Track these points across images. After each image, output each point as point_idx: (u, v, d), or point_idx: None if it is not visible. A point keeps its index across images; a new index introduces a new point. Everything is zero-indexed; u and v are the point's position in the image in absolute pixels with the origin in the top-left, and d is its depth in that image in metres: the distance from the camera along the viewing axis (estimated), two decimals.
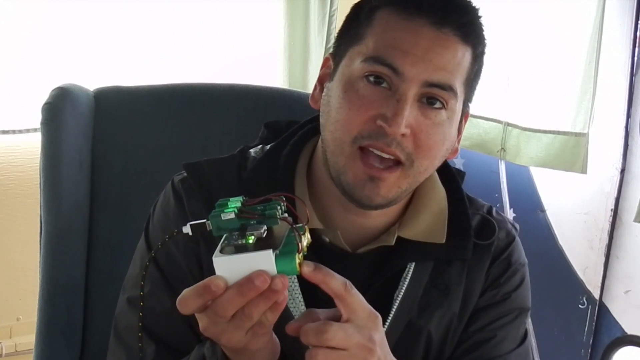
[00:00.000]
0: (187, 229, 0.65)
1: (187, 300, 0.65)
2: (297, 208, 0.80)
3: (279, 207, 0.65)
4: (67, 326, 1.11)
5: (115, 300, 0.93)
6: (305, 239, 0.66)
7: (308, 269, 0.66)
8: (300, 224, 0.67)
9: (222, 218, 0.62)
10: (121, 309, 0.91)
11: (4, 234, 2.05)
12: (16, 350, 2.10)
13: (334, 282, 0.68)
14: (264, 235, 0.63)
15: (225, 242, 0.64)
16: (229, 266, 0.62)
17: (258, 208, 0.66)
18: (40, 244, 1.12)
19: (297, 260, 0.63)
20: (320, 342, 0.67)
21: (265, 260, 0.62)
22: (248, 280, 0.62)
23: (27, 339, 2.04)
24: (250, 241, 0.62)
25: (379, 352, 0.70)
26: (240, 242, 0.62)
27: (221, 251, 0.63)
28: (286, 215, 0.66)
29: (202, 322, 0.67)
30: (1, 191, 2.04)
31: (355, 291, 0.69)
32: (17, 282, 2.06)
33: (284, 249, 0.64)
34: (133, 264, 0.93)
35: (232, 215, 0.62)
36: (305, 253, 0.66)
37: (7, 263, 2.06)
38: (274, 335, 0.73)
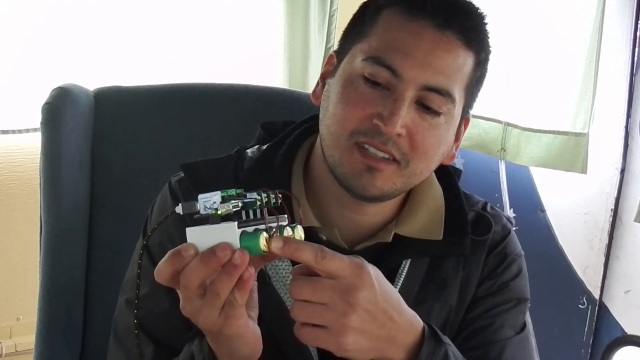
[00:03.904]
0: (179, 209, 0.66)
1: (160, 267, 0.66)
2: (294, 208, 0.80)
3: (264, 195, 0.66)
4: (67, 326, 1.11)
5: (116, 300, 0.93)
6: (294, 233, 0.68)
7: (277, 244, 0.66)
8: (294, 224, 0.68)
9: (209, 198, 0.65)
10: (120, 311, 0.91)
11: (4, 234, 2.05)
12: (16, 350, 2.10)
13: (305, 254, 0.67)
14: (235, 212, 0.65)
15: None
16: (198, 237, 0.65)
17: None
18: (40, 244, 1.12)
19: (264, 241, 0.65)
20: (292, 295, 0.68)
21: (230, 233, 0.64)
22: (210, 250, 0.63)
23: (27, 339, 2.04)
24: (219, 212, 0.64)
25: (364, 307, 0.68)
26: (211, 213, 0.64)
27: None
28: (276, 208, 0.68)
29: (180, 298, 0.68)
30: (1, 191, 2.03)
31: (329, 257, 0.67)
32: (17, 282, 2.06)
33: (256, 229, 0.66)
34: (131, 266, 0.93)
35: (219, 196, 0.65)
36: None
37: (7, 263, 2.05)
38: (257, 330, 0.72)
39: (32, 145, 1.88)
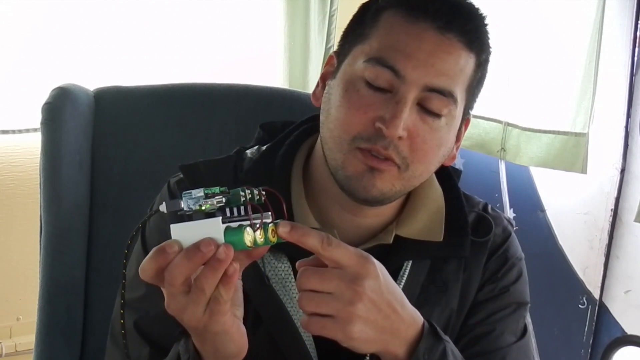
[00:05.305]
0: (162, 207, 0.67)
1: (144, 265, 0.66)
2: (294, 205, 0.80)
3: (248, 191, 0.67)
4: (67, 326, 1.11)
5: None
6: (277, 229, 0.68)
7: (284, 229, 0.66)
8: (277, 220, 0.68)
9: (193, 195, 0.65)
10: (117, 312, 0.91)
11: (4, 234, 2.05)
12: (16, 350, 2.10)
13: (311, 240, 0.67)
14: (219, 207, 0.66)
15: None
16: (183, 233, 0.65)
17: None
18: (40, 244, 1.12)
19: (249, 236, 0.65)
20: (299, 285, 0.69)
21: (214, 229, 0.64)
22: (194, 246, 0.64)
23: (27, 339, 2.04)
24: (204, 208, 0.65)
25: (370, 296, 0.69)
26: (196, 209, 0.65)
27: None
28: (261, 205, 0.68)
29: (165, 296, 0.68)
30: (1, 191, 2.03)
31: (335, 244, 0.68)
32: (17, 282, 2.06)
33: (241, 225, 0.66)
34: (129, 267, 0.93)
35: (202, 193, 0.65)
36: (273, 242, 0.67)
37: (7, 263, 2.06)
38: (242, 327, 0.72)
39: (32, 145, 1.88)
